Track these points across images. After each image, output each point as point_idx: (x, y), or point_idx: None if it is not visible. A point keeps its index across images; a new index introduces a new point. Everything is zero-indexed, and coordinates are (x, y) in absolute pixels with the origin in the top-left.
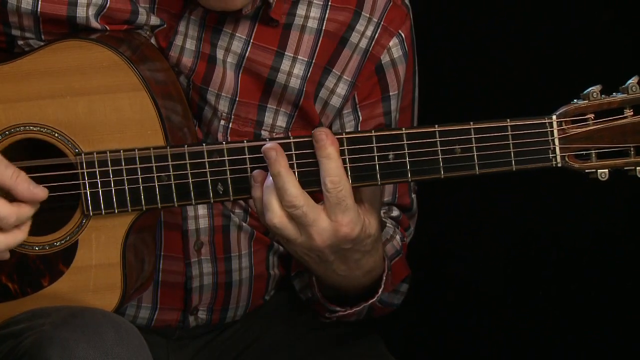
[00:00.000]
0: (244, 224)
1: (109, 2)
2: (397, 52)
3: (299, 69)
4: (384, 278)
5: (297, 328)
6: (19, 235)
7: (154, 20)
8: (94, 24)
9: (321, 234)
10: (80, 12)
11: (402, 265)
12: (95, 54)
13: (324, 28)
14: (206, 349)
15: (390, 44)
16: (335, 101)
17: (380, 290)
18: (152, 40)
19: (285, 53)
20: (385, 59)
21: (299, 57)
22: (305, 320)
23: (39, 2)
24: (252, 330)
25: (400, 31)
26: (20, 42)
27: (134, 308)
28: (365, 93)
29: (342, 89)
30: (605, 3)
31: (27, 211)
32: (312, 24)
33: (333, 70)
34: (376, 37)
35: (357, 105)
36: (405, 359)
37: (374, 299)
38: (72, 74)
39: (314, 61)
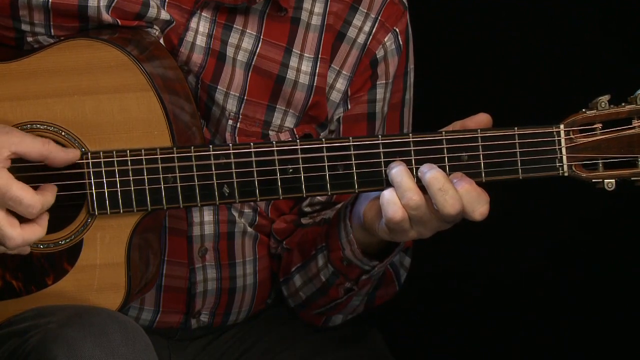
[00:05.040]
0: (248, 228)
1: None
2: (390, 45)
3: (306, 66)
4: None
5: (298, 329)
6: (37, 231)
7: (164, 15)
8: (105, 16)
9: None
10: (92, 1)
11: None
12: (103, 54)
13: (325, 23)
14: (208, 350)
15: (386, 39)
16: (335, 96)
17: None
18: (162, 40)
19: (293, 50)
20: (380, 53)
21: (305, 54)
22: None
23: None
24: (254, 331)
25: (395, 27)
26: (29, 39)
27: (137, 310)
28: (358, 85)
29: (341, 84)
30: (615, 12)
31: (50, 199)
32: (316, 20)
33: (332, 65)
34: (373, 32)
35: (348, 98)
36: (406, 359)
37: (399, 248)
38: (80, 73)
39: (320, 56)
